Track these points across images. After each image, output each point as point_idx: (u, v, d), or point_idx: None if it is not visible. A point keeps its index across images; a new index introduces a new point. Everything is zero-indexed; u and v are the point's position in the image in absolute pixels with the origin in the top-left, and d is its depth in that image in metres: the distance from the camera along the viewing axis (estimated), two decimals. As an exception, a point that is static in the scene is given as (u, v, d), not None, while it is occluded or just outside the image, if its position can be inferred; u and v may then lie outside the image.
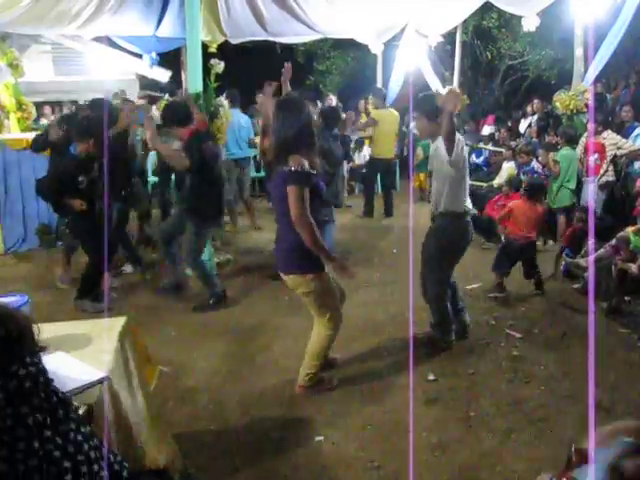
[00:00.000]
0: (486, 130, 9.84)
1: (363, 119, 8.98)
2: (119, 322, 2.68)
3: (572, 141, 6.81)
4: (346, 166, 9.12)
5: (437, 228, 4.12)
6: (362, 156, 9.97)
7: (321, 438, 3.21)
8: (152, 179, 7.87)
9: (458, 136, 3.80)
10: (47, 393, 1.56)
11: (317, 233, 3.18)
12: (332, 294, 3.50)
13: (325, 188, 3.47)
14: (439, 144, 3.90)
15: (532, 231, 5.37)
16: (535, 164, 6.96)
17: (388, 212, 8.61)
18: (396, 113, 8.74)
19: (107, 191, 4.69)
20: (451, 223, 4.05)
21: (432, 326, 4.32)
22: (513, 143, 8.29)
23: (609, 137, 6.59)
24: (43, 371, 1.58)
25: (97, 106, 5.66)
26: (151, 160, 7.88)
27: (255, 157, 8.73)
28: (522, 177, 7.12)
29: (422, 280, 4.32)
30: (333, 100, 9.19)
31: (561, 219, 6.73)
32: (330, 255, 3.31)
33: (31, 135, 7.25)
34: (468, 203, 4.07)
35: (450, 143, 3.69)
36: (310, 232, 3.16)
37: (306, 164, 3.17)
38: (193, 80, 5.66)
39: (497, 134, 9.50)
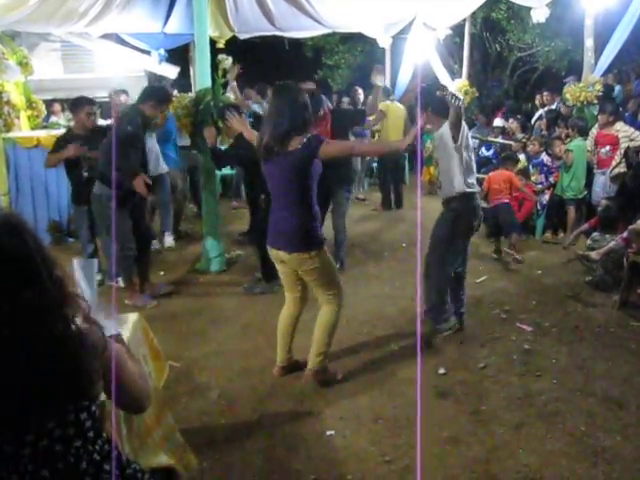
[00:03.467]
0: (497, 122, 9.77)
1: (372, 117, 8.95)
2: (132, 318, 2.71)
3: (583, 132, 6.76)
4: (359, 163, 9.19)
5: (449, 210, 4.21)
6: None
7: (332, 432, 3.21)
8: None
9: (462, 123, 3.96)
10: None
11: (371, 142, 3.33)
12: (334, 269, 3.63)
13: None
14: (443, 131, 4.06)
15: (503, 194, 6.21)
16: (545, 157, 6.91)
17: (398, 204, 8.65)
18: (402, 106, 8.73)
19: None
20: (462, 204, 4.14)
21: (427, 311, 4.33)
22: (520, 135, 8.22)
23: (622, 129, 6.53)
24: None
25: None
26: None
27: None
28: (531, 170, 7.08)
29: (426, 261, 4.34)
30: (361, 94, 9.14)
31: (571, 210, 6.69)
32: (394, 143, 3.44)
33: (41, 133, 7.31)
34: (475, 185, 4.23)
35: (456, 131, 3.89)
36: (368, 147, 3.67)
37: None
38: (201, 76, 5.68)
39: (506, 125, 9.42)
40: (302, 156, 3.29)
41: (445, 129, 4.03)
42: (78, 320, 1.50)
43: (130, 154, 4.67)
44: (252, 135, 3.91)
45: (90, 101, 5.30)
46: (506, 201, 6.22)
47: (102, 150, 4.79)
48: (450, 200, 4.19)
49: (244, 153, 4.84)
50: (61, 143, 5.17)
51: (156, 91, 5.16)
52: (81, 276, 1.85)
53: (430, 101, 4.17)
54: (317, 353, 3.65)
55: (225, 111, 4.69)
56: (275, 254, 3.55)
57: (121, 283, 5.20)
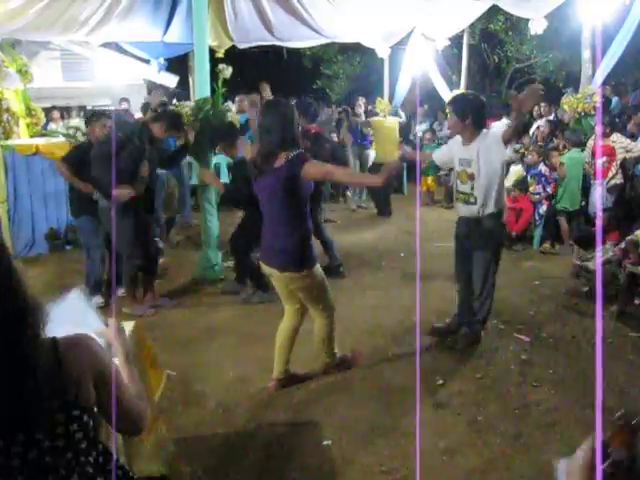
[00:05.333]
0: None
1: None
2: (128, 326, 2.70)
3: (579, 144, 6.79)
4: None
5: (489, 229, 4.09)
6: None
7: (329, 442, 3.20)
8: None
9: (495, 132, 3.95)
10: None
11: (352, 172, 3.34)
12: (325, 285, 3.61)
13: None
14: (488, 144, 3.93)
15: None
16: (543, 167, 6.93)
17: (385, 212, 8.81)
18: (395, 118, 8.87)
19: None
20: (497, 221, 4.12)
21: (473, 324, 4.31)
22: (518, 146, 8.25)
23: (618, 140, 6.56)
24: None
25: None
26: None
27: None
28: (529, 180, 7.10)
29: (474, 282, 4.26)
30: (362, 105, 9.24)
31: (563, 223, 6.69)
32: (376, 177, 3.45)
33: (40, 140, 7.32)
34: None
35: (516, 140, 3.75)
36: (350, 177, 3.69)
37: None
38: (201, 85, 5.69)
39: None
40: (287, 173, 3.26)
41: (490, 142, 3.90)
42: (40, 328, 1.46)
43: (135, 169, 4.74)
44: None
45: (105, 114, 5.48)
46: None
47: (100, 163, 4.75)
48: (489, 217, 4.06)
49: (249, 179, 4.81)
50: (81, 154, 5.13)
51: (172, 117, 5.19)
52: (74, 312, 1.83)
53: (470, 111, 3.94)
54: (326, 354, 3.81)
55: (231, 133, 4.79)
56: (268, 270, 3.53)
57: (121, 292, 5.23)
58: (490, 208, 4.04)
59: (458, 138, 4.16)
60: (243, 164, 4.63)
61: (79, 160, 5.07)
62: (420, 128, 9.75)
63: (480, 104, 4.06)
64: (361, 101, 9.24)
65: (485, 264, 4.17)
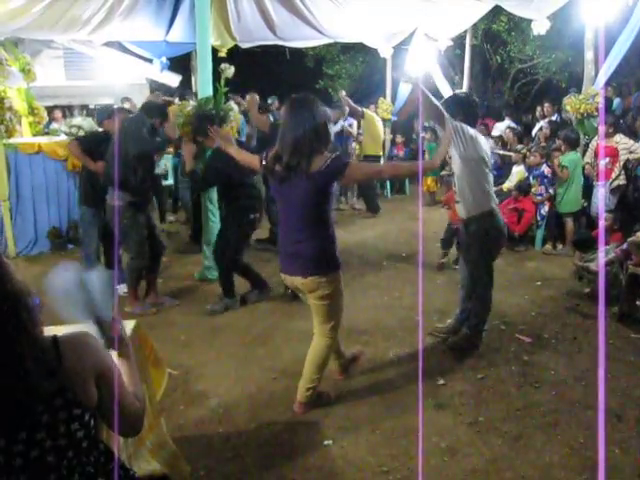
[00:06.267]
0: (495, 132, 9.81)
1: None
2: (128, 326, 2.70)
3: (575, 145, 6.79)
4: None
5: (476, 232, 4.06)
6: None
7: (330, 442, 3.20)
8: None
9: (471, 132, 3.84)
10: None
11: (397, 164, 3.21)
12: (342, 301, 3.39)
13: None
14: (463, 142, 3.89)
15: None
16: (545, 168, 6.93)
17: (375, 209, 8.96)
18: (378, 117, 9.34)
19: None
20: (486, 224, 4.03)
21: (468, 327, 4.30)
22: (520, 146, 8.24)
23: (621, 141, 6.56)
24: None
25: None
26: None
27: None
28: (532, 181, 7.09)
29: (468, 283, 4.31)
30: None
31: (569, 224, 6.70)
32: (428, 163, 3.36)
33: (43, 139, 7.33)
34: (495, 200, 4.11)
35: (442, 124, 3.71)
36: (397, 169, 3.45)
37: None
38: (203, 84, 5.70)
39: (504, 135, 9.45)
40: (326, 178, 3.09)
41: (465, 139, 3.83)
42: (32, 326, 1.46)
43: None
44: (241, 154, 3.68)
45: (125, 110, 5.81)
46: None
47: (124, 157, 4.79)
48: (473, 220, 4.05)
49: (222, 169, 4.73)
50: (95, 142, 5.30)
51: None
52: (93, 289, 1.72)
53: (460, 109, 3.96)
54: (306, 388, 3.46)
55: (206, 124, 4.69)
56: (290, 281, 3.35)
57: (122, 291, 5.23)
58: (472, 209, 4.01)
59: None
60: (220, 154, 4.44)
61: (91, 147, 5.17)
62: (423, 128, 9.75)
63: (470, 103, 4.07)
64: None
65: (472, 265, 4.21)
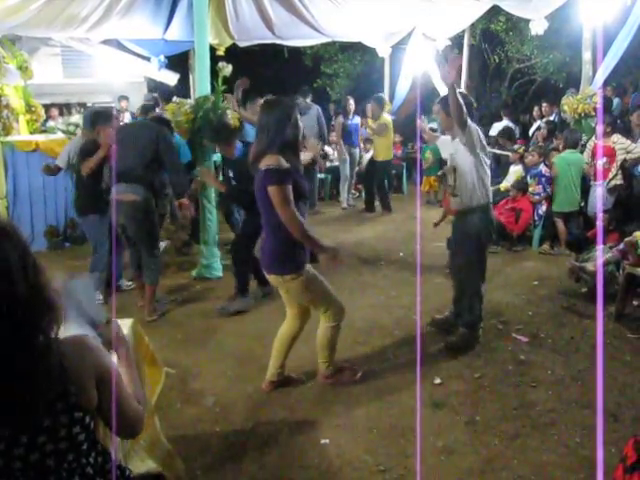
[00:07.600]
0: (492, 132, 9.82)
1: (370, 122, 9.18)
2: (125, 324, 2.69)
3: (574, 145, 6.79)
4: (349, 170, 9.45)
5: (470, 225, 4.17)
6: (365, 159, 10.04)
7: (327, 441, 3.20)
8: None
9: (478, 130, 4.00)
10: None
11: (304, 227, 3.18)
12: (319, 289, 3.46)
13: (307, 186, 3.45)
14: (458, 139, 4.06)
15: None
16: (543, 168, 6.93)
17: (385, 206, 9.03)
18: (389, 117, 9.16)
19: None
20: (481, 217, 4.15)
21: (463, 325, 4.32)
22: (516, 146, 8.25)
23: (619, 141, 6.57)
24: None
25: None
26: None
27: None
28: (529, 180, 7.09)
29: (457, 281, 4.42)
30: (352, 104, 9.31)
31: (559, 224, 6.68)
32: (322, 245, 3.30)
33: (40, 137, 7.31)
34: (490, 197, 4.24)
35: (461, 124, 3.87)
36: (298, 227, 3.16)
37: (283, 162, 3.15)
38: (201, 83, 5.69)
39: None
40: (263, 181, 3.17)
41: (469, 135, 3.96)
42: (55, 328, 1.45)
43: None
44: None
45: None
46: None
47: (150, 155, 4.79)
48: (470, 212, 4.16)
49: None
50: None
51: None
52: (80, 296, 1.75)
53: (444, 103, 4.09)
54: (322, 362, 3.73)
55: (226, 133, 4.88)
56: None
57: (124, 285, 5.36)
58: (470, 201, 4.13)
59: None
60: (245, 164, 4.52)
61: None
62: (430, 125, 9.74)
63: (465, 101, 4.12)
64: (351, 100, 9.38)
65: (462, 257, 4.28)
